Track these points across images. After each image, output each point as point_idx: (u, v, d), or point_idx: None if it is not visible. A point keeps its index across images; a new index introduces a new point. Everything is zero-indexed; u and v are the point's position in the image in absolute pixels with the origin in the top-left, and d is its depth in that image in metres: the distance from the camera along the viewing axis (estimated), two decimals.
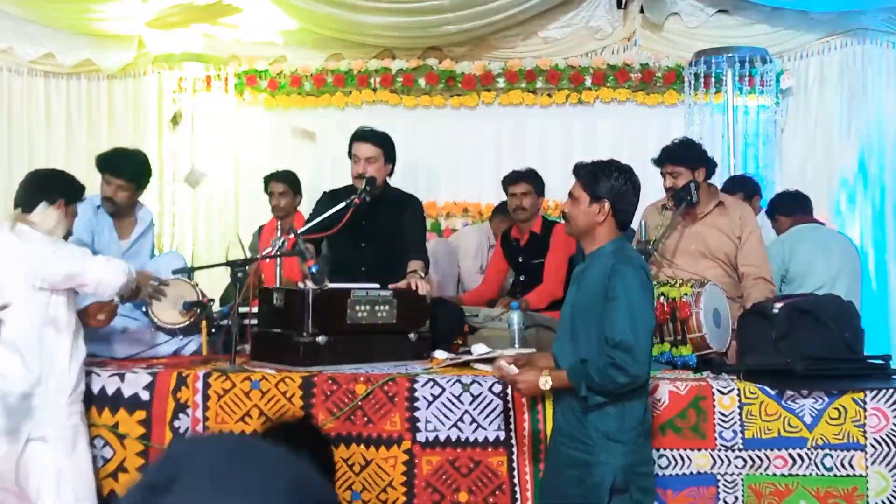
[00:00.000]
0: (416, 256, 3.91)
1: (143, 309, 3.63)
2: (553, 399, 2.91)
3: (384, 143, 4.00)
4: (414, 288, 3.61)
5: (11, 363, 2.93)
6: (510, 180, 4.68)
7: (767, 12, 5.93)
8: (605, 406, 2.61)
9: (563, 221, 4.74)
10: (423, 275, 3.76)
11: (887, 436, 3.07)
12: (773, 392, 3.08)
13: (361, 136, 4.00)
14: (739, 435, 3.07)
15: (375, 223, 3.98)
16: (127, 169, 3.85)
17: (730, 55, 5.73)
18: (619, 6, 6.06)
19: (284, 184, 5.02)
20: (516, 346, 3.64)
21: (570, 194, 2.80)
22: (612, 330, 2.57)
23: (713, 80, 5.82)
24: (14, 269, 3.00)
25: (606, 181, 2.70)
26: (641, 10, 6.07)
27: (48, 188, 3.19)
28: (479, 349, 3.52)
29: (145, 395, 3.25)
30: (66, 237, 3.24)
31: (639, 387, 2.63)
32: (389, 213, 4.00)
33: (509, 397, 3.12)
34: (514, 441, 3.12)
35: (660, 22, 6.07)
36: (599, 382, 2.57)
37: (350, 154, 4.02)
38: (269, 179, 5.10)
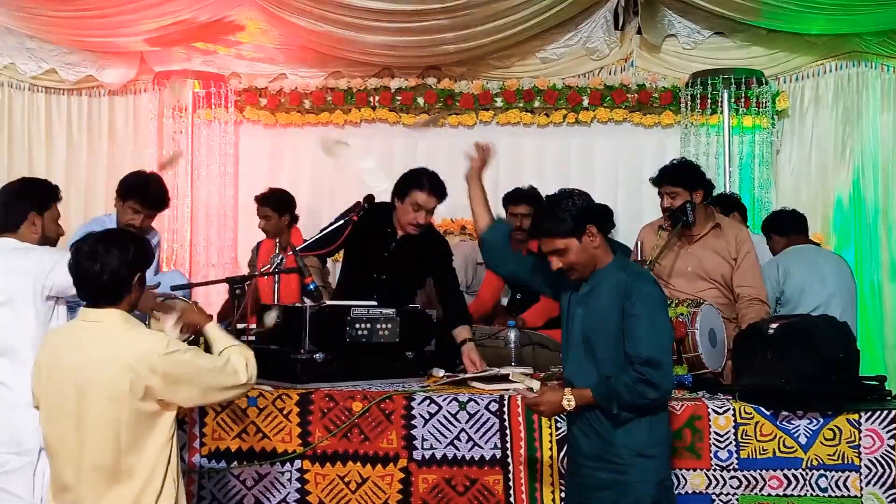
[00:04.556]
0: (461, 319, 3.77)
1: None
2: (568, 419, 2.88)
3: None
4: (469, 363, 3.58)
5: (19, 374, 2.93)
6: (512, 200, 4.67)
7: (763, 35, 5.99)
8: (634, 422, 2.61)
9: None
10: (474, 343, 3.70)
11: (882, 457, 3.08)
12: (768, 412, 3.10)
13: (433, 189, 3.80)
14: (735, 455, 3.08)
15: (399, 259, 3.90)
16: (154, 200, 3.91)
17: (726, 77, 5.79)
18: (616, 27, 6.13)
19: (267, 207, 5.00)
20: (513, 364, 3.66)
21: (553, 252, 2.69)
22: (639, 347, 2.56)
23: (709, 101, 5.87)
24: (22, 279, 3.02)
25: (571, 212, 2.65)
26: (639, 32, 6.14)
27: (29, 200, 3.22)
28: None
29: None
30: (56, 240, 3.29)
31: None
32: (414, 251, 3.91)
33: (506, 415, 3.13)
34: (510, 460, 3.13)
35: (657, 43, 6.14)
36: (629, 399, 2.56)
37: (402, 196, 3.83)
38: (255, 202, 5.10)
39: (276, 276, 3.80)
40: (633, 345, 2.57)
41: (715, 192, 4.45)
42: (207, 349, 3.62)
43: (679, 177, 3.86)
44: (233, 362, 2.50)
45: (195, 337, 3.62)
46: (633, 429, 2.61)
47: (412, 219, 3.80)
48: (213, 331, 2.69)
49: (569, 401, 2.64)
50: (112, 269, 2.41)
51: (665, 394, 2.60)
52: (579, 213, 2.66)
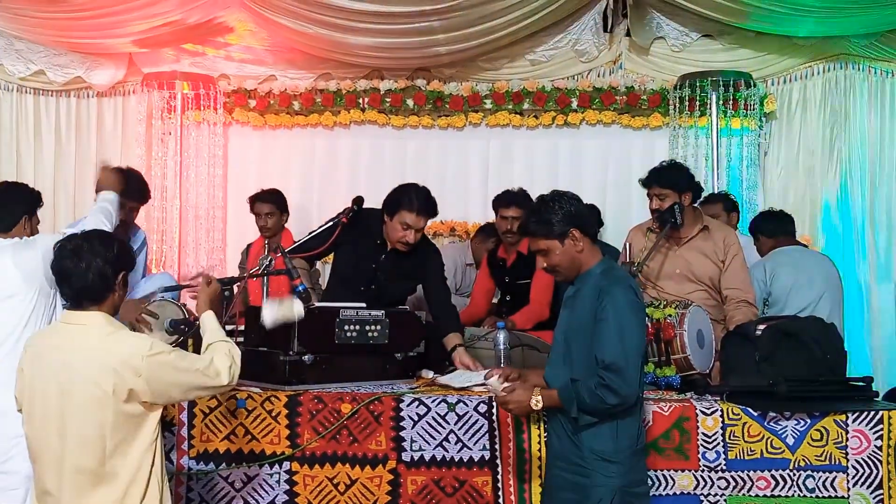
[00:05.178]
0: (452, 326, 3.79)
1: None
2: (547, 419, 2.91)
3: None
4: (462, 366, 3.60)
5: None
6: (502, 203, 4.67)
7: (751, 37, 6.02)
8: (599, 426, 2.62)
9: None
10: (464, 347, 3.73)
11: (868, 457, 3.10)
12: (756, 413, 3.11)
13: (423, 209, 3.76)
14: (722, 456, 3.09)
15: (388, 271, 3.88)
16: (135, 191, 3.92)
17: (714, 79, 5.82)
18: (605, 30, 6.15)
19: (270, 204, 5.01)
20: (502, 365, 3.65)
21: (538, 252, 2.76)
22: (602, 351, 2.57)
23: (698, 103, 5.90)
24: (34, 266, 3.03)
25: (557, 215, 2.69)
26: (627, 34, 6.16)
27: (23, 203, 3.25)
28: (465, 377, 3.51)
29: None
30: None
31: (631, 406, 2.64)
32: (404, 263, 3.89)
33: (494, 417, 3.13)
34: (499, 461, 3.13)
35: (646, 45, 6.16)
36: (590, 403, 2.57)
37: (391, 213, 3.78)
38: (254, 200, 5.10)
39: (265, 277, 3.79)
40: (598, 349, 2.59)
41: (703, 195, 4.47)
42: (196, 351, 3.61)
43: (668, 179, 3.87)
44: (216, 364, 2.49)
45: (182, 340, 3.62)
46: (598, 433, 2.62)
47: (401, 237, 3.77)
48: (209, 321, 2.70)
49: (537, 401, 2.67)
50: (97, 267, 2.40)
51: (625, 399, 2.57)
52: (564, 216, 2.69)
